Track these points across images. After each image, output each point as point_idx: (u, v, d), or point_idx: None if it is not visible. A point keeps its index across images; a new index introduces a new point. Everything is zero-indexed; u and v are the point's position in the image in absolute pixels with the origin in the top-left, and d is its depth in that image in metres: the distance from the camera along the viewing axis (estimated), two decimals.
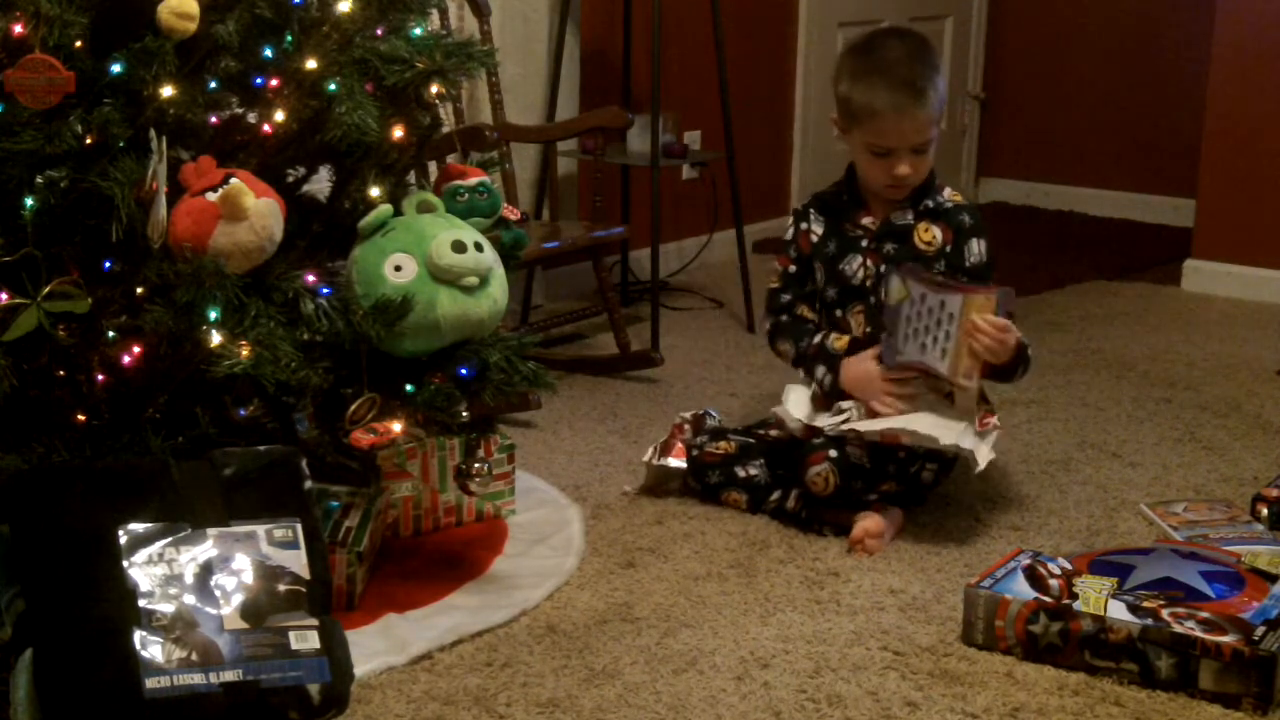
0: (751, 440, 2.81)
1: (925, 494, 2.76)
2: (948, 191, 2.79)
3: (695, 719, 2.03)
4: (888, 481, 2.65)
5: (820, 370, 2.75)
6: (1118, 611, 2.14)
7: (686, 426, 2.87)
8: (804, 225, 2.85)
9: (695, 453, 2.79)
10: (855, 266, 2.77)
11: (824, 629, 2.30)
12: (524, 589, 2.41)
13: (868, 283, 2.75)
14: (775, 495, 2.71)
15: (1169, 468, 3.04)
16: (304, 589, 2.00)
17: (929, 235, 2.74)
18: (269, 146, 2.25)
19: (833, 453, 2.60)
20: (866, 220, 2.78)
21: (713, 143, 4.58)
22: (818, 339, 2.77)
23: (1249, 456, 3.11)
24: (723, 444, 2.79)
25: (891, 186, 2.71)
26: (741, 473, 2.75)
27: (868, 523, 2.58)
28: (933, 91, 2.66)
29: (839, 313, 2.79)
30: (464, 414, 2.32)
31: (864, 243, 2.77)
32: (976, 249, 2.74)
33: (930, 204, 2.76)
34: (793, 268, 2.86)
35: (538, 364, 2.38)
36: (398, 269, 2.19)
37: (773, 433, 2.82)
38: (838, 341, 2.75)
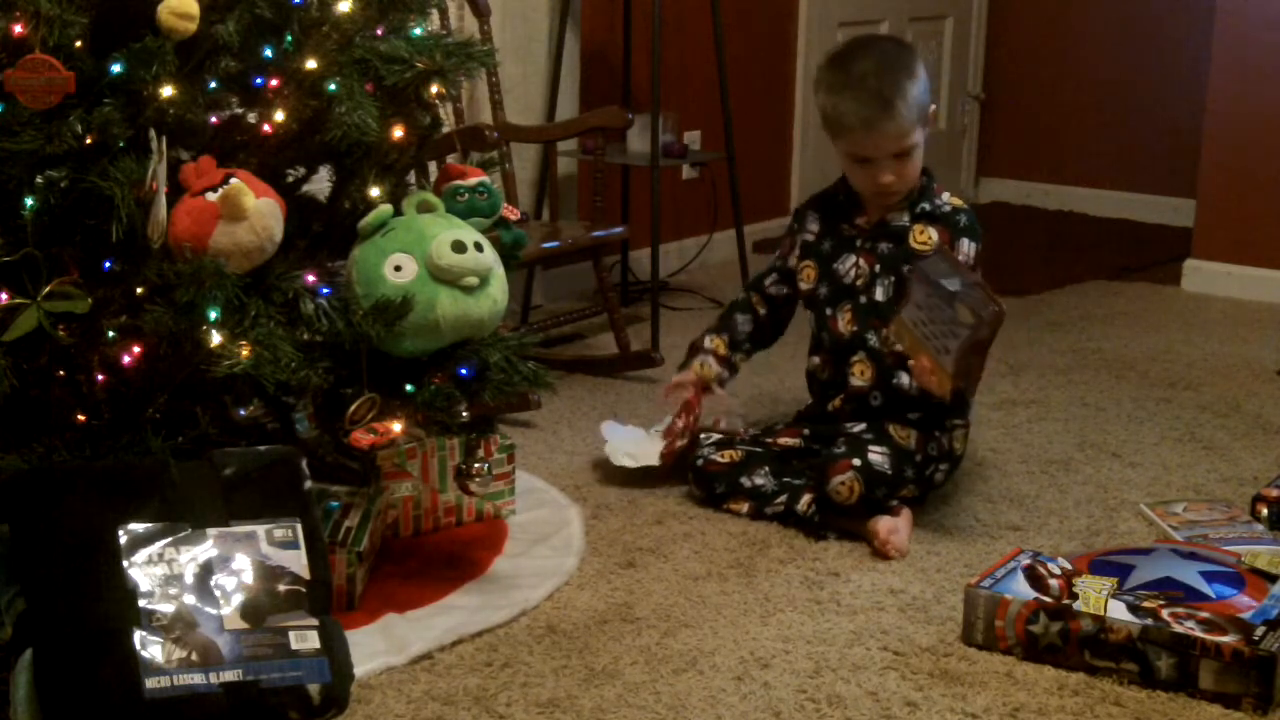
0: (758, 449, 2.80)
1: (925, 495, 2.76)
2: (946, 195, 2.79)
3: (695, 719, 2.03)
4: (907, 486, 2.65)
5: (686, 358, 2.96)
6: (1118, 611, 2.14)
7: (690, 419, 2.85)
8: (796, 225, 2.89)
9: (700, 463, 2.78)
10: (848, 266, 2.78)
11: (824, 629, 2.30)
12: (524, 589, 2.41)
13: (859, 282, 2.76)
14: (781, 499, 2.69)
15: (1169, 468, 3.04)
16: (304, 589, 2.00)
17: (924, 236, 2.73)
18: (269, 146, 2.25)
19: (856, 461, 2.58)
20: (861, 220, 2.79)
21: (713, 143, 4.58)
22: (711, 331, 2.95)
23: (1249, 456, 3.11)
24: (729, 452, 2.78)
25: (879, 194, 2.72)
26: (747, 482, 2.73)
27: (892, 532, 2.57)
28: (901, 101, 2.63)
29: (829, 311, 2.80)
30: (464, 414, 2.32)
31: (858, 242, 2.78)
32: (965, 249, 2.74)
33: (927, 207, 2.75)
34: (778, 260, 2.95)
35: (538, 364, 2.38)
36: (398, 269, 2.18)
37: (780, 440, 2.83)
38: (716, 343, 2.91)
